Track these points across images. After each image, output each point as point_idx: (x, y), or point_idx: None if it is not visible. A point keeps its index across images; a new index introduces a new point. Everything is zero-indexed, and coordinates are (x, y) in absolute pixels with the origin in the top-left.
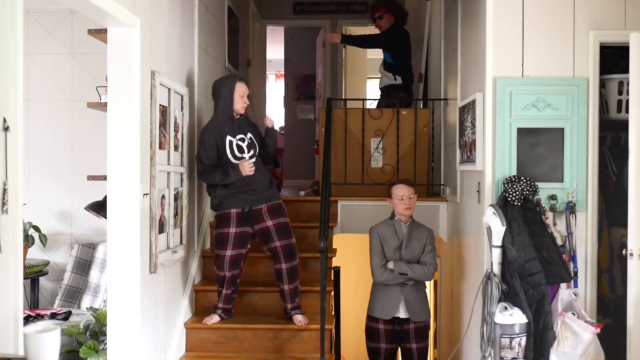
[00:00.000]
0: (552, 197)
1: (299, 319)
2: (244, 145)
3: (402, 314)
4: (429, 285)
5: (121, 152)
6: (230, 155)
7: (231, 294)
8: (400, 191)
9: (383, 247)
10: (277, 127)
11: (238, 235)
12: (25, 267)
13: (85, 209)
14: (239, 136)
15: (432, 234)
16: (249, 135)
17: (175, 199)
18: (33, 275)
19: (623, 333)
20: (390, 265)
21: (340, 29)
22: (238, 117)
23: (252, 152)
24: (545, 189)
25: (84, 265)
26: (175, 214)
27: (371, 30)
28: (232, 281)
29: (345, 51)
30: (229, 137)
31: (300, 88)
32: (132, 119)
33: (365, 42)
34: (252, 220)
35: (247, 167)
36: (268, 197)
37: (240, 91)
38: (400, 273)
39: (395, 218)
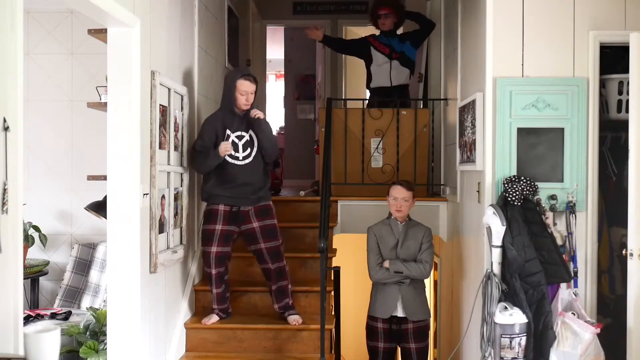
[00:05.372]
0: (552, 197)
1: (294, 318)
2: (240, 143)
3: (399, 312)
4: (429, 285)
5: (121, 152)
6: None
7: (222, 293)
8: (395, 192)
9: (379, 247)
10: (277, 127)
11: (224, 233)
12: (25, 267)
13: (85, 209)
14: (237, 133)
15: (429, 232)
16: (250, 133)
17: (175, 199)
18: (33, 275)
19: (623, 333)
20: (386, 264)
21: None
22: (241, 113)
23: (248, 150)
24: (545, 189)
25: (84, 265)
26: (175, 214)
27: (371, 30)
28: (220, 279)
29: None
30: (228, 131)
31: (300, 88)
32: (132, 119)
33: (420, 40)
34: (240, 221)
35: (223, 148)
36: (256, 199)
37: (241, 89)
38: (396, 271)
39: (392, 217)
